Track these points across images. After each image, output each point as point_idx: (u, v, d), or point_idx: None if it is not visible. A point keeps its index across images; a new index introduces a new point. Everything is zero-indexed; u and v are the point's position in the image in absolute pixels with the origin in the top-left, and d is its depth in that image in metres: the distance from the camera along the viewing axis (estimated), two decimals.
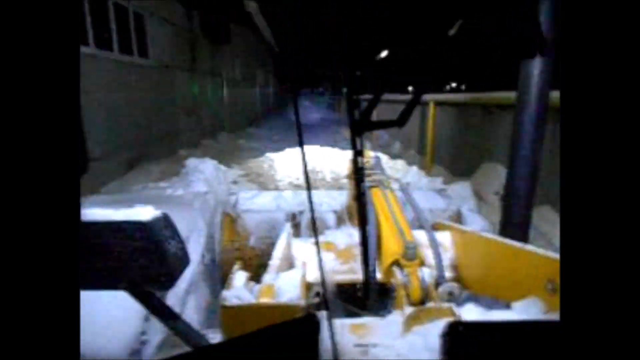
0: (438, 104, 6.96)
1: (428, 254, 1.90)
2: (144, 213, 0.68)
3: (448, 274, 2.09)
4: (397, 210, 2.11)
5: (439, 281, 1.72)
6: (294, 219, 3.04)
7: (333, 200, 3.31)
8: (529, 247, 1.66)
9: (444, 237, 2.37)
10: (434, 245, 1.92)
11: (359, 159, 1.36)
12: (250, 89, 18.23)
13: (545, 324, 0.65)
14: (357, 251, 2.19)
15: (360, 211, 1.47)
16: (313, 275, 1.86)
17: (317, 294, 1.46)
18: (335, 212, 3.19)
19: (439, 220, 2.85)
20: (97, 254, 0.66)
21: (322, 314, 0.73)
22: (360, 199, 1.48)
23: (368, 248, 1.66)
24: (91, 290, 0.70)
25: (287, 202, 3.24)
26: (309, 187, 0.88)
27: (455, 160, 6.58)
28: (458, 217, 3.29)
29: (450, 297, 1.60)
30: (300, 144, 0.81)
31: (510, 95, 4.96)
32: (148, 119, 6.60)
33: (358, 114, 1.31)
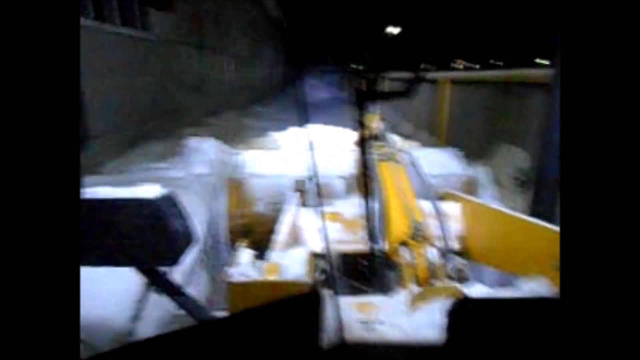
0: (452, 82, 6.64)
1: (436, 225, 1.90)
2: (149, 191, 0.69)
3: (456, 245, 2.09)
4: (406, 185, 2.04)
5: (445, 253, 1.68)
6: (301, 186, 2.87)
7: (341, 162, 3.12)
8: (541, 223, 1.63)
9: (454, 208, 2.33)
10: (441, 218, 1.91)
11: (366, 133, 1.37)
12: (257, 67, 17.87)
13: (552, 301, 0.65)
14: (364, 221, 2.16)
15: (365, 186, 1.41)
16: (320, 246, 1.81)
17: (323, 271, 1.41)
18: (344, 178, 3.03)
19: (450, 189, 2.74)
20: (104, 231, 0.67)
21: (327, 291, 0.71)
22: (365, 174, 1.41)
23: (374, 224, 1.68)
24: (97, 266, 0.70)
25: (294, 165, 3.08)
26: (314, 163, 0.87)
27: (468, 142, 6.31)
28: (473, 184, 3.10)
29: (461, 274, 1.56)
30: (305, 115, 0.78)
31: (534, 73, 4.68)
32: (151, 96, 6.38)
33: (365, 84, 1.27)
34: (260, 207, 2.93)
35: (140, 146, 5.24)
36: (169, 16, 7.28)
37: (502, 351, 0.55)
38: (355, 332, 1.02)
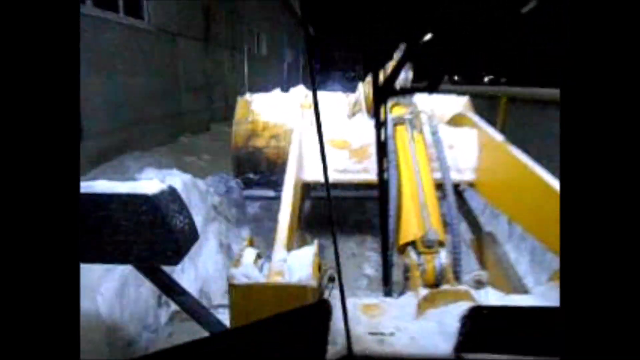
0: (509, 100, 5.37)
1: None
2: (149, 186, 0.66)
3: (469, 177, 2.26)
4: (425, 170, 1.82)
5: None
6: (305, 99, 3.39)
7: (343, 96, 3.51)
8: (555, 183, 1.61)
9: (470, 135, 2.29)
10: (455, 239, 1.70)
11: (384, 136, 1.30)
12: (276, 67, 16.81)
13: (557, 310, 0.66)
14: (372, 150, 2.03)
15: (381, 201, 1.40)
16: (313, 176, 2.17)
17: (331, 279, 1.19)
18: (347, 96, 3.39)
19: (460, 110, 2.85)
20: (102, 226, 0.64)
21: (336, 297, 0.73)
22: (382, 183, 1.37)
23: (386, 222, 1.63)
24: (97, 263, 0.68)
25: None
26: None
27: None
28: (470, 105, 3.39)
29: (479, 285, 1.44)
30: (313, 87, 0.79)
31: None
32: (137, 97, 5.28)
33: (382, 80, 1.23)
34: (264, 117, 3.26)
35: (110, 161, 4.11)
36: (168, 3, 6.19)
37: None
38: (364, 343, 0.98)
